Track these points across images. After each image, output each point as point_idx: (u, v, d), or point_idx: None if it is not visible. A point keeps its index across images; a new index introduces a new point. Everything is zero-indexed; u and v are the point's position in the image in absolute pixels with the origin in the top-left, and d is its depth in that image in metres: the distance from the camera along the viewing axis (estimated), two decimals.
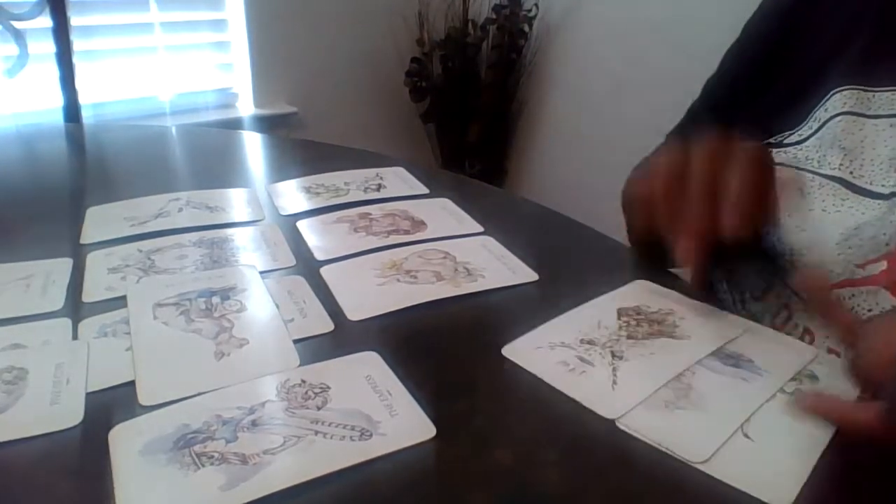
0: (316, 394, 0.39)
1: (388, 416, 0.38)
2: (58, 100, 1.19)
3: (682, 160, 0.46)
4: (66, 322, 0.47)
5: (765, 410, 0.39)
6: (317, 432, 0.37)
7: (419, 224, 0.62)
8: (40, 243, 0.58)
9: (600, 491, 0.35)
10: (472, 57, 2.11)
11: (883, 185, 0.50)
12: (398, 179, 0.74)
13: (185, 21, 1.90)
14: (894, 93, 0.51)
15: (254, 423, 0.37)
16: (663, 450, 0.36)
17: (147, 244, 0.58)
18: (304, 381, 0.41)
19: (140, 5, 1.80)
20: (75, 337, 0.45)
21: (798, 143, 0.56)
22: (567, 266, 0.58)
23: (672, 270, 0.56)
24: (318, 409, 0.38)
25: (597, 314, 0.48)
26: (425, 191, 0.71)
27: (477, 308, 0.50)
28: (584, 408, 0.39)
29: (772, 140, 0.58)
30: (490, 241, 0.59)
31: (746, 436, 0.37)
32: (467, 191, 0.72)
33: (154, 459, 0.35)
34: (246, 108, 2.04)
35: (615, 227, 0.64)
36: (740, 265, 0.59)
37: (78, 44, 1.21)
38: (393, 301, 0.50)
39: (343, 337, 0.46)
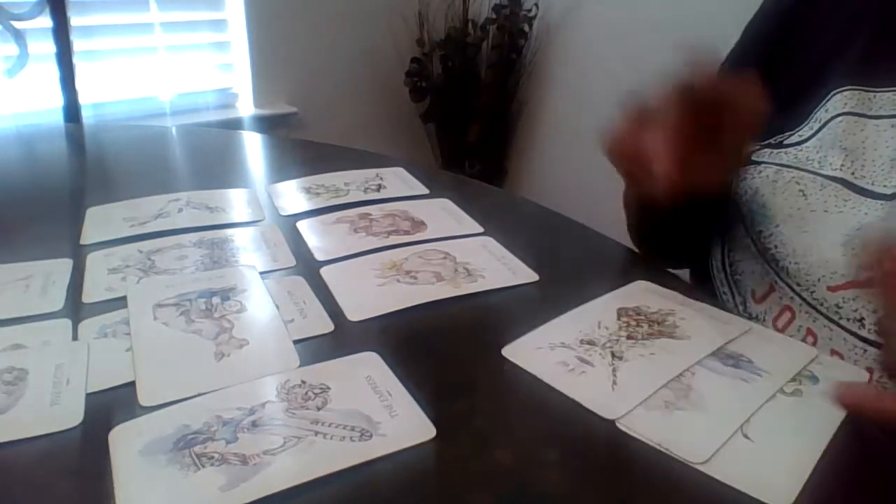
0: (316, 394, 0.39)
1: (388, 417, 0.38)
2: (58, 100, 1.19)
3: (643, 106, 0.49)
4: (66, 322, 0.47)
5: (765, 411, 0.39)
6: (317, 433, 0.37)
7: (419, 224, 0.62)
8: (40, 243, 0.58)
9: (600, 491, 0.35)
10: (472, 57, 2.11)
11: (885, 186, 0.50)
12: (398, 180, 0.74)
13: (185, 21, 1.90)
14: (895, 93, 0.51)
15: (254, 424, 0.37)
16: (663, 450, 0.36)
17: (147, 245, 0.58)
18: (304, 382, 0.41)
19: (140, 5, 1.80)
20: (75, 337, 0.45)
21: (798, 143, 0.56)
22: (567, 266, 0.58)
23: (672, 271, 0.56)
24: (318, 409, 0.38)
25: (597, 314, 0.48)
26: (425, 191, 0.71)
27: (477, 308, 0.50)
28: (584, 408, 0.39)
29: (772, 141, 0.58)
30: (490, 242, 0.59)
31: (746, 436, 0.37)
32: (467, 191, 0.72)
33: (154, 460, 0.35)
34: (246, 108, 2.04)
35: (615, 227, 0.64)
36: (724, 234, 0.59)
37: (78, 44, 1.21)
38: (393, 301, 0.50)
39: (343, 337, 0.46)
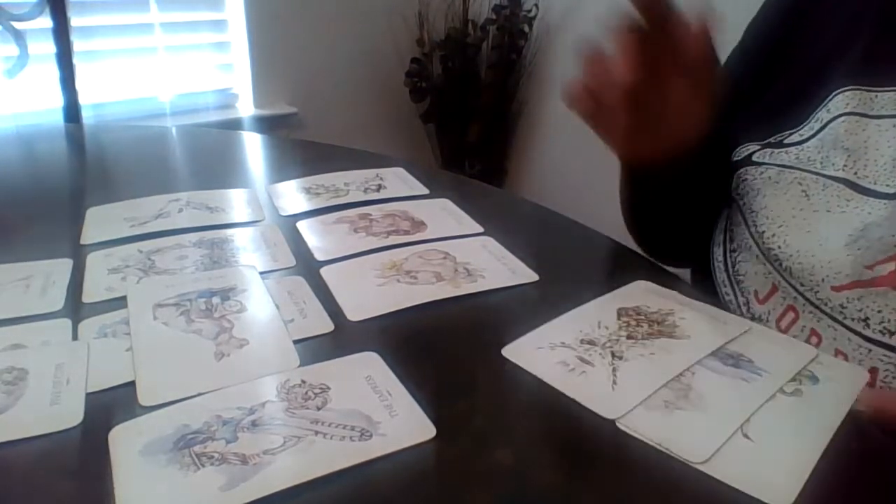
0: (316, 394, 0.39)
1: (388, 417, 0.38)
2: (58, 100, 1.19)
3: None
4: (66, 322, 0.47)
5: (765, 411, 0.39)
6: (317, 433, 0.37)
7: (419, 224, 0.62)
8: (40, 243, 0.58)
9: (600, 491, 0.35)
10: (472, 57, 2.11)
11: (888, 185, 0.49)
12: (398, 180, 0.74)
13: (185, 21, 1.90)
14: None
15: (254, 424, 0.37)
16: (663, 450, 0.36)
17: (147, 245, 0.58)
18: (304, 382, 0.41)
19: (140, 6, 1.80)
20: (75, 337, 0.45)
21: (799, 143, 0.56)
22: (567, 266, 0.58)
23: (672, 271, 0.56)
24: (318, 409, 0.38)
25: (597, 314, 0.48)
26: (425, 191, 0.71)
27: (477, 308, 0.50)
28: (584, 408, 0.39)
29: (771, 139, 0.58)
30: (490, 242, 0.59)
31: (746, 436, 0.37)
32: (467, 191, 0.72)
33: (154, 460, 0.35)
34: (246, 108, 2.04)
35: (615, 227, 0.64)
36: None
37: (78, 44, 1.21)
38: (393, 301, 0.50)
39: (343, 337, 0.46)
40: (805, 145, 0.55)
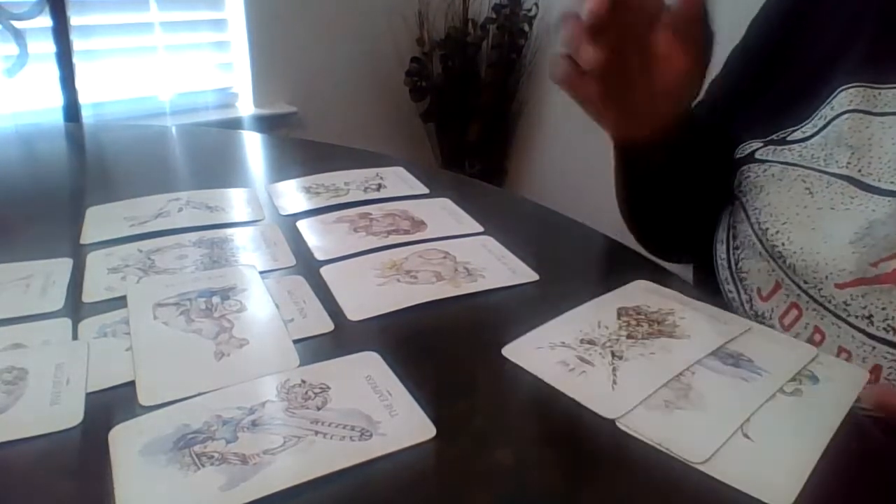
0: (316, 394, 0.39)
1: (388, 417, 0.38)
2: (58, 100, 1.19)
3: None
4: (66, 322, 0.47)
5: (765, 410, 0.39)
6: (317, 432, 0.37)
7: (419, 224, 0.62)
8: (40, 243, 0.58)
9: (600, 491, 0.35)
10: (472, 57, 2.11)
11: (892, 182, 0.49)
12: (398, 179, 0.74)
13: (185, 21, 1.90)
14: None
15: (254, 424, 0.37)
16: (663, 450, 0.36)
17: (147, 244, 0.58)
18: (304, 382, 0.41)
19: (140, 5, 1.80)
20: (75, 337, 0.45)
21: (802, 140, 0.56)
22: (567, 266, 0.58)
23: (673, 270, 0.56)
24: (318, 409, 0.38)
25: (597, 314, 0.48)
26: (425, 191, 0.71)
27: (477, 308, 0.50)
28: (584, 408, 0.39)
29: (774, 136, 0.58)
30: (490, 241, 0.59)
31: (746, 436, 0.37)
32: (467, 191, 0.72)
33: (154, 460, 0.35)
34: (246, 107, 2.04)
35: (615, 227, 0.64)
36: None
37: (78, 43, 1.21)
38: (393, 301, 0.50)
39: (343, 337, 0.46)
40: (808, 142, 0.55)
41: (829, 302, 0.51)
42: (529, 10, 2.02)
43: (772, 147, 0.58)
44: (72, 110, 1.19)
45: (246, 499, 0.32)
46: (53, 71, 1.17)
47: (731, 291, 0.60)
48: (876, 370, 0.48)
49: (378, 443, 0.36)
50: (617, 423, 0.38)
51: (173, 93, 1.90)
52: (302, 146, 0.95)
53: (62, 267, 0.54)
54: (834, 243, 0.51)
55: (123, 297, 0.49)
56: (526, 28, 2.04)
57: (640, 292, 0.52)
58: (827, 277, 0.51)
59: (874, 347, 0.48)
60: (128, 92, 1.83)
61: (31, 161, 0.88)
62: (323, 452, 0.35)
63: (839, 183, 0.52)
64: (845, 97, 0.53)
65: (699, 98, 0.67)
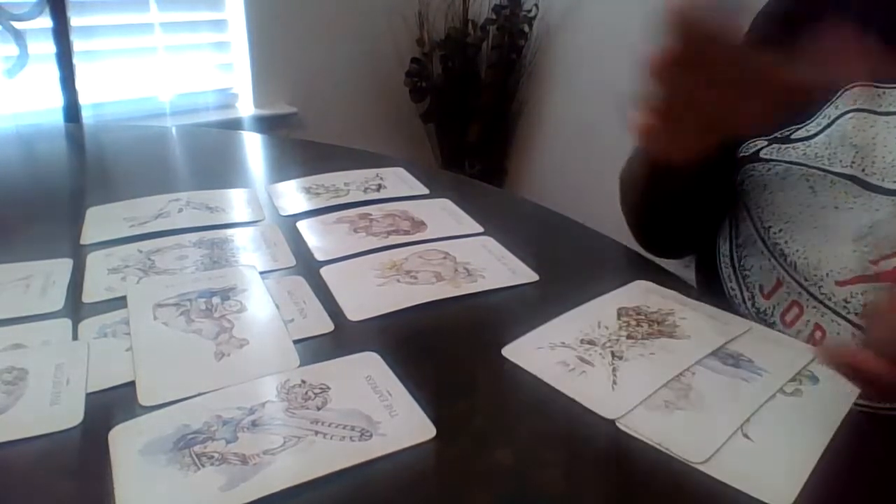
0: (316, 394, 0.39)
1: (388, 417, 0.38)
2: (58, 100, 1.19)
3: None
4: (66, 322, 0.47)
5: (765, 411, 0.39)
6: (317, 433, 0.36)
7: (419, 224, 0.62)
8: (40, 243, 0.58)
9: (600, 491, 0.35)
10: (472, 57, 2.11)
11: (895, 182, 0.50)
12: (398, 180, 0.74)
13: (185, 21, 1.90)
14: None
15: (254, 424, 0.37)
16: (663, 450, 0.36)
17: (147, 244, 0.58)
18: (304, 382, 0.41)
19: (140, 5, 1.80)
20: (75, 337, 0.45)
21: (806, 139, 0.56)
22: (567, 266, 0.58)
23: (672, 270, 0.56)
24: (318, 409, 0.38)
25: (597, 314, 0.48)
26: (425, 191, 0.71)
27: (477, 308, 0.50)
28: (584, 408, 0.39)
29: (778, 135, 0.58)
30: (490, 242, 0.59)
31: (746, 436, 0.37)
32: (467, 191, 0.72)
33: (154, 460, 0.35)
34: (246, 108, 2.04)
35: (615, 227, 0.64)
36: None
37: (78, 44, 1.21)
38: (393, 301, 0.50)
39: (343, 337, 0.46)
40: (812, 141, 0.55)
41: (830, 299, 0.51)
42: (529, 11, 2.02)
43: (776, 145, 0.58)
44: (72, 111, 1.19)
45: (246, 499, 0.32)
46: (54, 71, 1.17)
47: (733, 289, 0.60)
48: None
49: (378, 443, 0.36)
50: (617, 424, 0.38)
51: (173, 93, 1.90)
52: (302, 146, 0.95)
53: (62, 267, 0.54)
54: (836, 241, 0.51)
55: (123, 298, 0.49)
56: (526, 29, 2.04)
57: (640, 292, 0.52)
58: (828, 275, 0.51)
59: None
60: (128, 92, 1.83)
61: (32, 161, 0.88)
62: (323, 452, 0.35)
63: (843, 182, 0.52)
64: (849, 96, 0.54)
65: None
